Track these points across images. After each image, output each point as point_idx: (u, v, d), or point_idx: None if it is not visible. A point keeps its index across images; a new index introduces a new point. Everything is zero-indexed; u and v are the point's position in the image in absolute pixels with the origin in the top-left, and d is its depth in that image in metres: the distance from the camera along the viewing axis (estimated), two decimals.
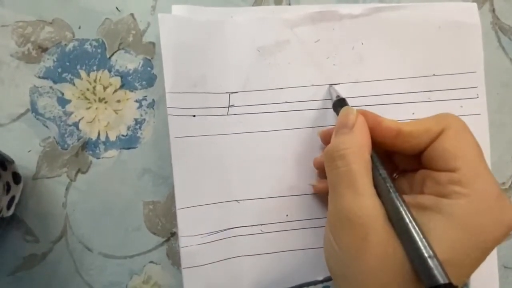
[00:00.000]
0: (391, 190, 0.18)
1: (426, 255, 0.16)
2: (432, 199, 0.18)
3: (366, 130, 0.20)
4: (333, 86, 0.25)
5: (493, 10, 0.27)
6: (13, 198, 0.23)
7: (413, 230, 0.17)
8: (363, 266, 0.17)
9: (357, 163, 0.19)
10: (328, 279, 0.24)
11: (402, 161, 0.22)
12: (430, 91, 0.26)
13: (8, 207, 0.23)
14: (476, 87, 0.26)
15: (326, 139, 0.24)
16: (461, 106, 0.26)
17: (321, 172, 0.25)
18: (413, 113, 0.26)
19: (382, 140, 0.20)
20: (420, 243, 0.16)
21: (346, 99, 0.24)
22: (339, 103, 0.23)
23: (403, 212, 0.17)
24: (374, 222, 0.18)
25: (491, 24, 0.27)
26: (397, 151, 0.21)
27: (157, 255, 0.25)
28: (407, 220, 0.17)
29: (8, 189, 0.23)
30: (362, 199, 0.18)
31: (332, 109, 0.25)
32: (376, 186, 0.19)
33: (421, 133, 0.19)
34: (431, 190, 0.19)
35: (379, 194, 0.19)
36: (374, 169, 0.19)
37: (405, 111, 0.26)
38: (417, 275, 0.17)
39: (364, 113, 0.20)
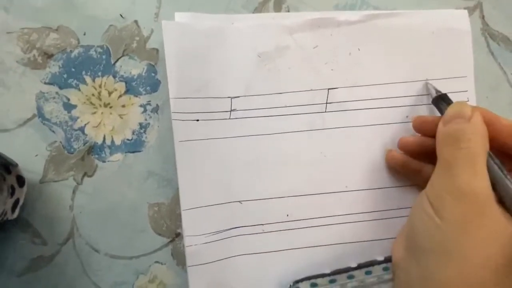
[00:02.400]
0: (507, 176, 0.20)
1: None
2: None
3: (483, 125, 0.21)
4: (429, 82, 0.26)
5: (483, 17, 0.28)
6: (17, 201, 0.24)
7: None
8: (472, 240, 0.19)
9: (480, 147, 0.20)
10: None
11: (507, 161, 0.23)
12: (423, 95, 0.27)
13: (13, 210, 0.23)
14: (467, 91, 0.27)
15: (421, 126, 0.25)
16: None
17: (404, 143, 0.25)
18: (406, 116, 0.27)
19: (497, 138, 0.21)
20: None
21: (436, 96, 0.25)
22: (441, 98, 0.24)
23: None
24: (490, 200, 0.19)
25: (481, 31, 0.28)
26: (506, 150, 0.22)
27: (162, 255, 0.26)
28: None
29: (12, 192, 0.24)
30: (481, 178, 0.20)
31: (328, 113, 0.26)
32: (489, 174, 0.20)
33: None
34: None
35: (492, 181, 0.20)
36: (488, 158, 0.21)
37: (400, 114, 0.27)
38: None
39: (480, 109, 0.22)
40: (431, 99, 0.25)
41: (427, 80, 0.27)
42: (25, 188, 0.24)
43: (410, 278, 0.22)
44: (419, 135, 0.25)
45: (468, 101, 0.27)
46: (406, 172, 0.26)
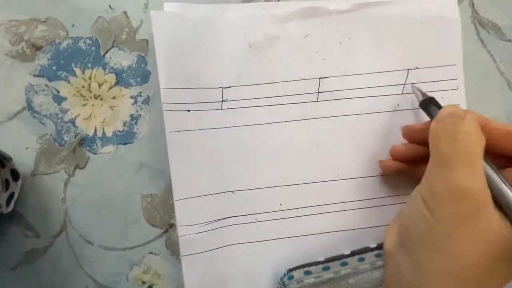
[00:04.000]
0: (501, 177, 0.20)
1: None
2: None
3: (478, 123, 0.21)
4: (416, 86, 0.26)
5: (472, 5, 0.29)
6: (12, 195, 0.24)
7: None
8: (464, 239, 0.19)
9: (477, 144, 0.20)
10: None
11: (497, 164, 0.23)
12: (413, 83, 0.27)
13: (7, 204, 0.23)
14: (456, 79, 0.28)
15: (411, 134, 0.25)
16: (442, 98, 0.27)
17: (396, 153, 0.25)
18: (398, 105, 0.27)
19: (488, 140, 0.21)
20: None
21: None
22: (430, 101, 0.24)
23: None
24: (486, 201, 0.19)
25: (470, 18, 0.29)
26: (496, 151, 0.22)
27: (156, 246, 0.26)
28: None
29: (7, 186, 0.24)
30: (478, 177, 0.19)
31: (320, 102, 0.26)
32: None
33: None
34: None
35: (487, 181, 0.20)
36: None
37: (391, 102, 0.27)
38: None
39: (471, 112, 0.21)
40: (418, 102, 0.25)
41: (415, 68, 0.27)
42: (19, 182, 0.24)
43: (399, 267, 0.22)
44: (410, 143, 0.25)
45: (457, 89, 0.28)
46: (401, 176, 0.26)
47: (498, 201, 0.20)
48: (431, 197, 0.20)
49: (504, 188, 0.20)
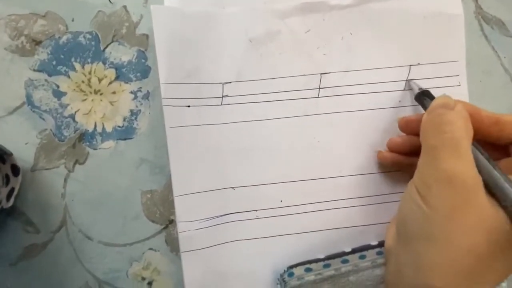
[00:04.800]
0: (491, 162, 0.20)
1: None
2: None
3: (466, 113, 0.21)
4: (413, 80, 0.26)
5: (476, 0, 0.28)
6: (12, 190, 0.24)
7: None
8: (459, 226, 0.19)
9: (464, 132, 0.20)
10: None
11: (489, 152, 0.23)
12: (415, 79, 0.27)
13: (8, 199, 0.23)
14: (458, 75, 0.27)
15: (406, 126, 0.25)
16: (444, 94, 0.27)
17: (393, 144, 0.25)
18: (399, 101, 0.27)
19: (479, 128, 0.21)
20: None
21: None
22: (424, 94, 0.24)
23: (505, 179, 0.19)
24: (477, 186, 0.19)
25: (474, 14, 0.28)
26: (488, 140, 0.22)
27: (156, 242, 0.26)
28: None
29: (7, 181, 0.24)
30: (467, 163, 0.19)
31: (321, 98, 0.26)
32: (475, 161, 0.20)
33: None
34: None
35: (478, 168, 0.20)
36: (472, 146, 0.21)
37: (392, 98, 0.27)
38: None
39: (462, 102, 0.22)
40: (413, 97, 0.25)
41: (418, 64, 0.27)
42: (20, 177, 0.24)
43: (399, 264, 0.22)
44: (406, 135, 0.25)
45: (460, 85, 0.27)
46: (398, 168, 0.26)
47: (489, 187, 0.20)
48: (424, 187, 0.20)
49: (494, 172, 0.20)
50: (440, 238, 0.19)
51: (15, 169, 0.24)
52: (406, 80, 0.27)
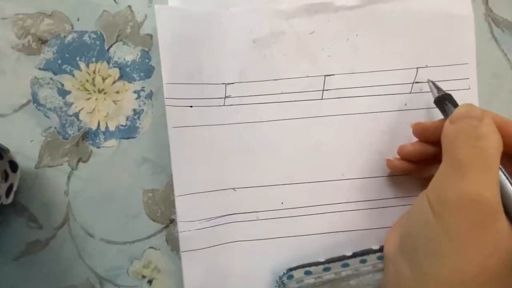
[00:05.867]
0: (510, 180, 0.19)
1: None
2: None
3: (495, 126, 0.20)
4: (432, 81, 0.24)
5: (486, 2, 0.28)
6: (11, 186, 0.24)
7: None
8: (473, 250, 0.18)
9: (497, 149, 0.19)
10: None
11: (509, 166, 0.21)
12: (423, 82, 0.26)
13: (7, 195, 0.23)
14: (468, 78, 0.27)
15: (422, 132, 0.24)
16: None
17: (404, 152, 0.24)
18: (405, 104, 0.26)
19: (507, 142, 0.20)
20: None
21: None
22: (445, 99, 0.23)
23: None
24: (498, 209, 0.18)
25: (484, 16, 0.28)
26: None
27: (157, 241, 0.26)
28: None
29: (6, 177, 0.24)
30: (493, 185, 0.18)
31: (325, 100, 0.26)
32: None
33: None
34: None
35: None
36: None
37: (398, 101, 0.26)
38: None
39: (489, 113, 0.20)
40: (433, 99, 0.24)
41: (425, 66, 0.26)
42: (18, 173, 0.24)
43: (399, 275, 0.21)
44: (418, 142, 0.24)
45: (469, 88, 0.27)
46: (406, 174, 0.25)
47: (508, 210, 0.19)
48: (440, 203, 0.19)
49: None
50: (448, 258, 0.18)
51: (13, 165, 0.24)
52: (413, 82, 0.26)
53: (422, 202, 0.20)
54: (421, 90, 0.26)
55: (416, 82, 0.26)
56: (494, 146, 0.19)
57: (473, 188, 0.18)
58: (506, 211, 0.19)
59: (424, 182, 0.21)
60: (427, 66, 0.26)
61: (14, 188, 0.23)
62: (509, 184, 0.19)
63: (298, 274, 0.25)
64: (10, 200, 0.23)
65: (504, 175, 0.19)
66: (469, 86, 0.27)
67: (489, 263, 0.18)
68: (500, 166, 0.19)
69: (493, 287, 0.18)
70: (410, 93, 0.26)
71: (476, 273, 0.18)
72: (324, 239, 0.26)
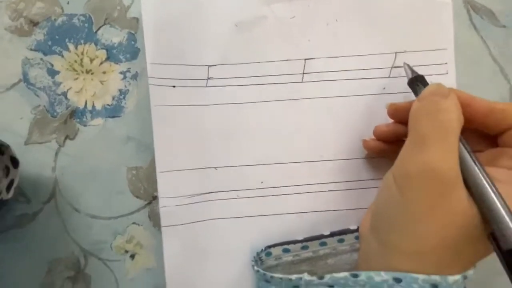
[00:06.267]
0: (471, 155, 0.19)
1: (507, 218, 0.18)
2: (505, 172, 0.20)
3: (459, 102, 0.20)
4: (407, 64, 0.25)
5: None
6: (12, 181, 0.24)
7: (494, 195, 0.18)
8: (433, 219, 0.18)
9: (456, 122, 0.19)
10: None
11: (473, 141, 0.22)
12: (401, 67, 0.27)
13: (8, 190, 0.24)
14: (446, 63, 0.27)
15: (395, 113, 0.24)
16: (431, 82, 0.27)
17: (379, 132, 0.25)
18: (384, 88, 0.27)
19: (474, 118, 0.21)
20: (501, 208, 0.18)
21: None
22: (417, 80, 0.24)
23: (484, 177, 0.19)
24: (457, 180, 0.19)
25: (463, 3, 0.28)
26: (480, 129, 0.22)
27: (140, 217, 0.27)
28: (489, 185, 0.19)
29: (7, 172, 0.24)
30: (452, 156, 0.19)
31: (305, 83, 0.26)
32: None
33: None
34: (505, 164, 0.20)
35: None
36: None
37: (377, 86, 0.27)
38: (489, 238, 0.18)
39: (456, 90, 0.21)
40: (407, 80, 0.24)
41: (404, 51, 0.27)
42: (19, 169, 0.24)
43: (369, 251, 0.22)
44: (393, 123, 0.25)
45: (447, 73, 0.27)
46: (383, 155, 0.26)
47: (467, 181, 0.19)
48: (403, 177, 0.20)
49: (475, 168, 0.19)
50: (410, 230, 0.19)
51: (14, 161, 0.24)
52: (391, 67, 0.27)
53: (388, 178, 0.21)
54: (399, 74, 0.27)
55: (395, 67, 0.27)
56: (454, 119, 0.19)
57: (432, 160, 0.19)
58: (466, 182, 0.19)
59: None
60: (405, 51, 0.27)
61: (15, 184, 0.24)
62: (468, 156, 0.19)
63: (276, 251, 0.25)
64: (10, 195, 0.24)
65: (464, 147, 0.20)
66: (447, 71, 0.27)
67: (447, 233, 0.18)
68: (461, 137, 0.20)
69: (451, 257, 0.19)
70: (388, 77, 0.27)
71: (435, 243, 0.19)
72: (302, 219, 0.26)
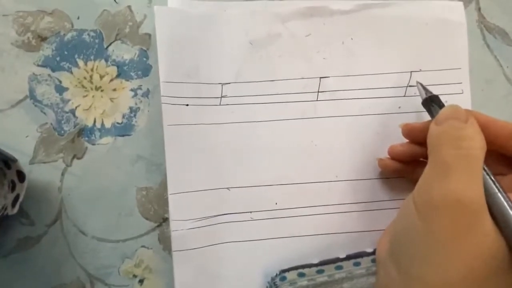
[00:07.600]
0: (496, 183, 0.19)
1: None
2: None
3: (479, 127, 0.20)
4: (421, 83, 0.24)
5: (479, 9, 0.28)
6: (17, 196, 0.23)
7: None
8: (458, 253, 0.18)
9: (480, 150, 0.19)
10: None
11: (494, 164, 0.22)
12: (425, 85, 0.26)
13: (13, 205, 0.23)
14: (461, 83, 0.27)
15: (410, 133, 0.24)
16: (446, 101, 0.26)
17: (394, 152, 0.25)
18: (399, 107, 0.27)
19: (494, 141, 0.20)
20: None
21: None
22: (432, 100, 0.23)
23: (510, 206, 0.18)
24: (483, 210, 0.18)
25: (476, 22, 0.28)
26: (502, 152, 0.21)
27: (149, 239, 0.26)
28: None
29: (13, 187, 0.24)
30: (477, 184, 0.18)
31: (320, 101, 0.26)
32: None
33: None
34: None
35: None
36: None
37: (392, 104, 0.27)
38: None
39: (474, 113, 0.20)
40: (421, 100, 0.24)
41: (419, 70, 0.27)
42: (25, 184, 0.24)
43: (388, 279, 0.21)
44: (407, 142, 0.24)
45: (462, 93, 0.27)
46: (399, 175, 0.26)
47: (492, 211, 0.19)
48: (424, 205, 0.19)
49: (500, 198, 0.19)
50: (435, 261, 0.18)
51: (21, 175, 0.24)
52: (407, 86, 0.27)
53: (408, 205, 0.20)
54: (415, 93, 0.27)
55: (410, 86, 0.27)
56: (478, 146, 0.19)
57: (457, 189, 0.18)
58: (490, 211, 0.18)
59: (415, 183, 0.21)
60: (420, 70, 0.27)
61: (21, 199, 0.23)
62: (492, 184, 0.19)
63: (291, 275, 0.24)
64: (15, 210, 0.23)
65: (488, 175, 0.19)
66: (462, 90, 0.27)
67: (474, 265, 0.18)
68: (484, 166, 0.19)
69: None
70: (404, 96, 0.27)
71: (462, 275, 0.18)
72: (317, 241, 0.26)
